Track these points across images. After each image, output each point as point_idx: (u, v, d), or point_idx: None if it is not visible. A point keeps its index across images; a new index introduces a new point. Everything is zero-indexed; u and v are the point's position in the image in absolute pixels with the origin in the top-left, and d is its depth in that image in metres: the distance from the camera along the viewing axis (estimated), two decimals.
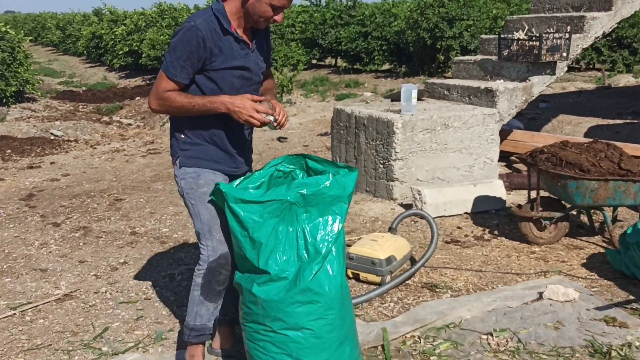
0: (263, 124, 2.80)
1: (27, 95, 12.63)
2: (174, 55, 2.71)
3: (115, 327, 3.51)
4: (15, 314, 3.69)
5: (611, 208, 4.57)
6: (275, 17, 2.76)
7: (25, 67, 12.23)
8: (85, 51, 24.09)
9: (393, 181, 5.56)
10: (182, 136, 2.91)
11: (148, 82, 16.77)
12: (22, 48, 12.51)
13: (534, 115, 9.54)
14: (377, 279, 3.93)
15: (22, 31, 14.44)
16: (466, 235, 4.84)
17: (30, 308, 3.75)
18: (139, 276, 4.20)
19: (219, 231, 2.90)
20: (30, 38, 18.45)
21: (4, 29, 12.07)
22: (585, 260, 4.29)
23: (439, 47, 14.40)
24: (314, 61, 19.13)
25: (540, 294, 3.69)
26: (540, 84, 6.12)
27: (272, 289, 2.76)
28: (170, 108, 2.78)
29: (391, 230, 4.39)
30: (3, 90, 11.57)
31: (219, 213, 2.89)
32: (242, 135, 3.00)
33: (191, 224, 4.85)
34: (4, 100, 11.65)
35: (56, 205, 5.90)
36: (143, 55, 16.19)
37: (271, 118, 2.83)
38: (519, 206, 4.72)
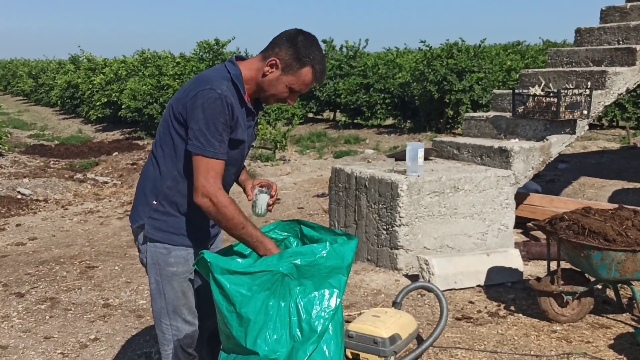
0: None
1: None
2: (209, 131, 2.60)
3: None
4: None
5: None
6: (290, 100, 2.80)
7: None
8: (59, 101, 24.40)
9: (397, 249, 5.55)
10: (154, 202, 2.80)
11: (127, 135, 16.93)
12: None
13: (553, 177, 9.60)
14: None
15: None
16: (479, 311, 4.80)
17: None
18: (111, 354, 4.15)
19: (185, 310, 2.91)
20: None
21: None
22: (612, 341, 4.25)
23: (447, 101, 14.60)
24: (310, 115, 19.36)
25: None
26: (559, 144, 6.19)
27: None
28: (222, 215, 2.69)
29: (395, 304, 4.35)
30: None
31: (189, 290, 2.90)
32: None
33: None
34: None
35: (21, 272, 5.86)
36: (123, 107, 16.39)
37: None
38: (538, 279, 4.71)
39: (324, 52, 18.82)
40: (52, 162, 12.80)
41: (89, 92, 19.75)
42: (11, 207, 8.71)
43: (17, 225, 7.82)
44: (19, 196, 9.41)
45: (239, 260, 2.82)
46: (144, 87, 15.80)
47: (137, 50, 19.99)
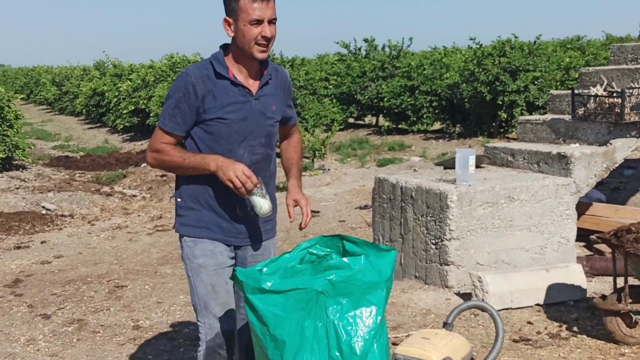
0: (249, 192, 2.94)
1: (17, 162, 13.01)
2: (165, 105, 3.04)
3: None
4: None
5: None
6: (263, 33, 2.97)
7: (15, 130, 12.64)
8: (84, 110, 24.81)
9: (448, 265, 5.53)
10: (179, 200, 3.13)
11: None
12: (12, 108, 12.97)
13: (618, 184, 9.44)
14: None
15: (12, 88, 14.97)
16: (539, 332, 4.75)
17: None
18: None
19: (216, 306, 3.06)
20: (21, 96, 19.08)
21: None
22: None
23: (500, 103, 14.47)
24: (351, 120, 19.37)
25: None
26: (624, 148, 6.10)
27: None
28: (164, 162, 3.06)
29: (446, 325, 4.33)
30: None
31: (219, 285, 3.07)
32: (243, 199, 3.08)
33: None
34: None
35: (46, 293, 5.98)
36: (151, 115, 16.61)
37: (259, 198, 2.98)
38: (604, 297, 4.64)
39: (365, 52, 18.74)
40: (77, 175, 13.04)
41: (116, 99, 20.06)
42: (36, 223, 8.90)
43: (42, 242, 7.98)
44: (44, 211, 9.61)
45: (272, 277, 2.80)
46: None
47: (166, 54, 20.22)
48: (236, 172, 2.89)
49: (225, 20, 3.02)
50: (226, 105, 3.02)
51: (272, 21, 2.98)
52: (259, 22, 2.94)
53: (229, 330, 3.08)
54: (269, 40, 2.99)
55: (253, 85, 3.10)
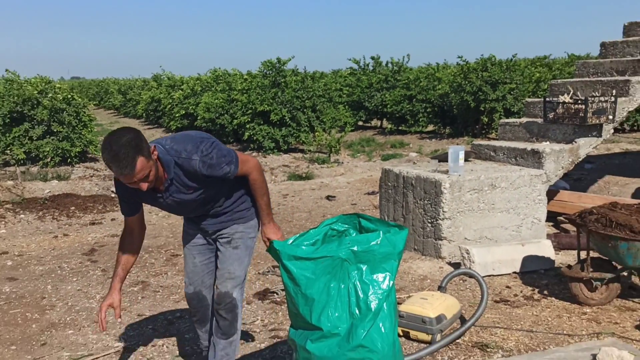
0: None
1: (90, 156, 13.06)
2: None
3: None
4: None
5: None
6: (139, 189, 2.77)
7: (88, 129, 12.70)
8: (144, 114, 24.89)
9: (441, 240, 5.50)
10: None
11: None
12: (86, 112, 13.02)
13: (580, 176, 9.37)
14: (428, 338, 3.85)
15: (86, 96, 15.05)
16: (515, 295, 4.72)
17: None
18: (194, 330, 4.20)
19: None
20: (94, 102, 19.17)
21: (69, 95, 12.62)
22: (638, 322, 4.13)
23: (482, 109, 14.42)
24: (360, 123, 19.34)
25: (594, 356, 3.55)
26: (586, 146, 6.05)
27: (325, 345, 2.74)
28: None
29: (441, 288, 4.32)
30: (68, 150, 12.02)
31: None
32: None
33: None
34: (69, 160, 12.08)
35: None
36: (198, 118, 16.63)
37: None
38: (569, 266, 4.61)
39: (372, 68, 18.56)
40: None
41: (169, 105, 20.10)
42: (106, 204, 8.93)
43: (112, 219, 8.02)
44: (113, 195, 9.64)
45: (304, 247, 2.83)
46: (216, 100, 16.01)
47: (210, 69, 20.26)
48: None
49: None
50: (148, 200, 2.96)
51: (144, 179, 2.71)
52: (132, 184, 2.72)
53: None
54: (148, 187, 2.76)
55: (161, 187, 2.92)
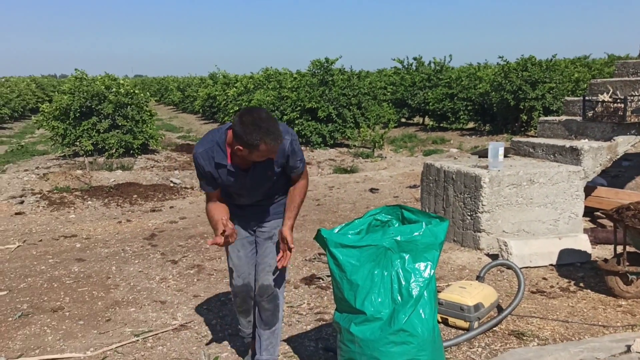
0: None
1: (151, 148, 13.33)
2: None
3: (224, 357, 3.58)
4: (138, 340, 3.83)
5: None
6: (259, 161, 2.80)
7: (149, 125, 12.96)
8: (200, 110, 25.24)
9: (480, 232, 5.43)
10: None
11: None
12: (147, 107, 13.29)
13: (617, 173, 9.09)
14: (465, 325, 3.82)
15: (148, 92, 15.32)
16: (552, 287, 4.63)
17: (151, 336, 3.89)
18: None
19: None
20: (155, 98, 19.49)
21: (132, 90, 12.89)
22: None
23: (522, 107, 14.16)
24: (403, 120, 19.21)
25: (629, 347, 3.46)
26: (624, 144, 5.87)
27: (368, 328, 2.75)
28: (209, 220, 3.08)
29: (479, 278, 4.27)
30: (131, 143, 12.29)
31: None
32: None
33: (290, 264, 4.92)
34: (132, 151, 12.36)
35: (174, 244, 6.13)
36: None
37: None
38: (605, 260, 4.49)
39: (415, 67, 18.35)
40: None
41: (224, 102, 20.32)
42: (165, 193, 9.11)
43: (171, 207, 8.17)
44: (171, 184, 9.83)
45: (350, 236, 2.85)
46: (267, 97, 16.11)
47: (262, 68, 20.39)
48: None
49: (239, 148, 2.74)
50: (224, 179, 2.94)
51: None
52: (263, 157, 2.77)
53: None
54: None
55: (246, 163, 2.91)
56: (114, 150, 12.17)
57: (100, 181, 9.72)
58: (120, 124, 12.37)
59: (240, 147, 2.72)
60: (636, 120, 5.69)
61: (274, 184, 3.06)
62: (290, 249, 2.99)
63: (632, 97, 5.67)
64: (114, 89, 12.70)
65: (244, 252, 3.20)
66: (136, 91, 13.10)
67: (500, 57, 15.01)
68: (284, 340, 3.69)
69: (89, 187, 9.20)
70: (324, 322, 3.97)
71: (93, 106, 12.50)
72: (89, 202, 8.36)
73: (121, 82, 13.32)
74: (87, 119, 12.44)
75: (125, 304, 4.48)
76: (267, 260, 3.14)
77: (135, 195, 8.81)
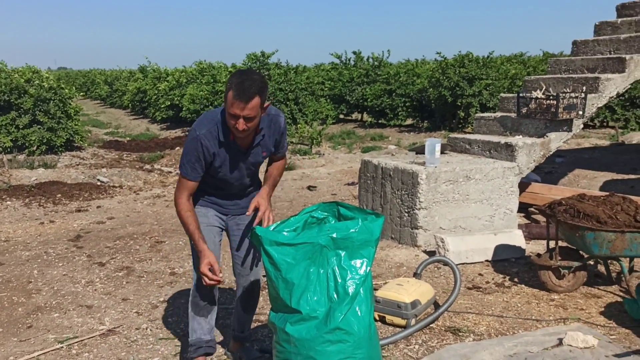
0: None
1: (76, 145, 12.94)
2: (185, 159, 2.98)
3: None
4: (62, 347, 3.72)
5: (627, 259, 4.50)
6: (237, 126, 2.85)
7: (74, 120, 12.58)
8: (130, 105, 24.67)
9: (417, 229, 5.55)
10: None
11: (187, 133, 17.04)
12: (72, 104, 12.89)
13: (551, 169, 9.49)
14: (403, 322, 3.90)
15: (74, 87, 14.85)
16: (487, 282, 4.79)
17: (76, 342, 3.79)
18: (177, 314, 4.22)
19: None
20: (81, 93, 18.92)
21: (56, 84, 12.47)
22: (603, 309, 4.21)
23: (459, 104, 14.50)
24: (341, 116, 19.32)
25: (560, 340, 3.63)
26: (557, 140, 6.12)
27: (304, 328, 2.76)
28: (177, 215, 3.05)
29: (416, 275, 4.37)
30: (54, 140, 11.89)
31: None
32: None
33: (226, 265, 4.89)
34: (55, 149, 11.97)
35: (102, 246, 5.98)
36: (183, 109, 16.54)
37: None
38: (538, 255, 4.68)
39: (353, 62, 18.58)
40: (125, 155, 12.98)
41: (155, 96, 19.95)
42: (92, 192, 8.87)
43: (98, 207, 7.97)
44: (99, 183, 9.59)
45: (285, 233, 2.86)
46: (201, 92, 15.93)
47: (195, 61, 20.13)
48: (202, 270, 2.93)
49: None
50: (224, 160, 3.01)
51: (249, 119, 2.82)
52: (235, 116, 2.81)
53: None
54: (243, 131, 2.86)
55: (247, 141, 3.02)
56: (35, 148, 11.75)
57: (20, 180, 9.37)
58: (41, 119, 11.94)
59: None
60: (568, 117, 5.95)
61: (254, 174, 3.22)
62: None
63: (564, 94, 5.92)
64: (36, 82, 12.25)
65: (219, 238, 3.28)
66: (61, 85, 12.68)
67: (438, 53, 15.35)
68: (219, 343, 3.66)
69: (7, 187, 8.85)
70: (260, 323, 3.98)
71: (12, 100, 12.02)
72: (8, 202, 8.05)
73: (44, 75, 12.86)
74: (6, 114, 11.96)
75: (48, 309, 4.35)
76: (250, 258, 3.30)
77: (59, 195, 8.54)
